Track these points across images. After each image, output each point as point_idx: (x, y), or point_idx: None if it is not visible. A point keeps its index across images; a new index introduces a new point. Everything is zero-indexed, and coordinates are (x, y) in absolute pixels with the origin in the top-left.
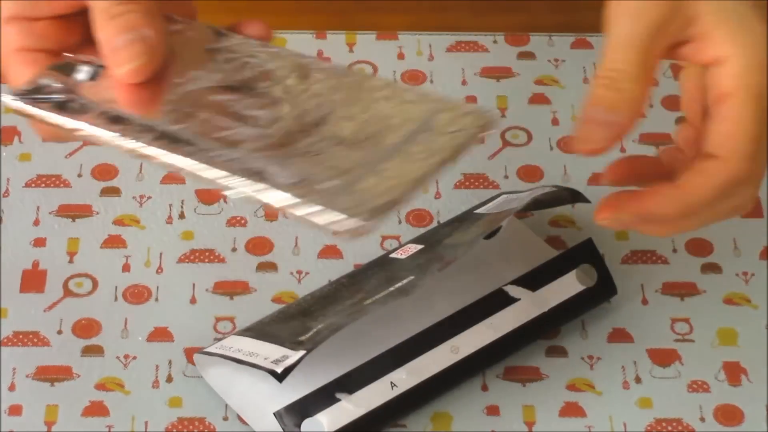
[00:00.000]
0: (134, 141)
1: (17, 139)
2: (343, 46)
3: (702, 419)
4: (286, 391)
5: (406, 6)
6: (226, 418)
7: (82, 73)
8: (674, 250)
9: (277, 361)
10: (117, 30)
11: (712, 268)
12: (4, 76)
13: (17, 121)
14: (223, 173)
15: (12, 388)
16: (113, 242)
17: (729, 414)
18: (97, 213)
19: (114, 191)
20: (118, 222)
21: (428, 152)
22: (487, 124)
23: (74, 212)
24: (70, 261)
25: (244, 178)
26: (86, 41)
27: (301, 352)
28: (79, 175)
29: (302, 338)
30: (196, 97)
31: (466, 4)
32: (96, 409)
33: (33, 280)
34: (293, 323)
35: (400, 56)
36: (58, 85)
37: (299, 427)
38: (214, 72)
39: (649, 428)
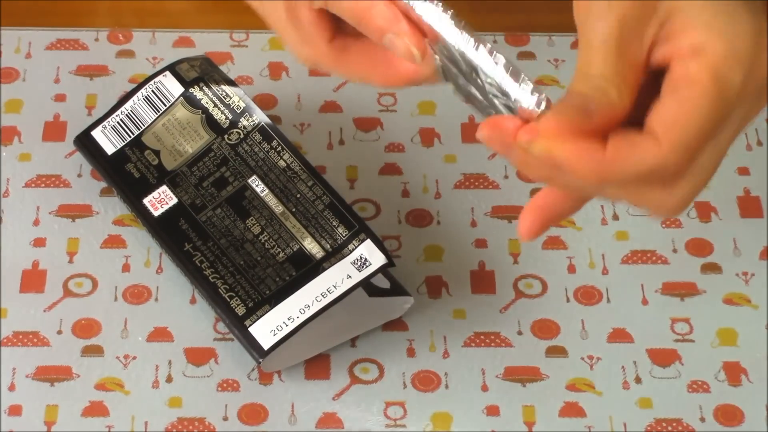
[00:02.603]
0: None
1: (17, 139)
2: None
3: (702, 419)
4: None
5: None
6: (226, 418)
7: None
8: (674, 250)
9: None
10: None
11: (712, 268)
12: None
13: (17, 121)
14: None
15: (12, 388)
16: (113, 242)
17: (729, 414)
18: (97, 213)
19: (113, 192)
20: (118, 222)
21: None
22: None
23: (74, 212)
24: (70, 261)
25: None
26: None
27: None
28: (79, 175)
29: None
30: None
31: (465, 4)
32: (96, 409)
33: (33, 280)
34: None
35: None
36: None
37: None
38: None
39: (649, 428)
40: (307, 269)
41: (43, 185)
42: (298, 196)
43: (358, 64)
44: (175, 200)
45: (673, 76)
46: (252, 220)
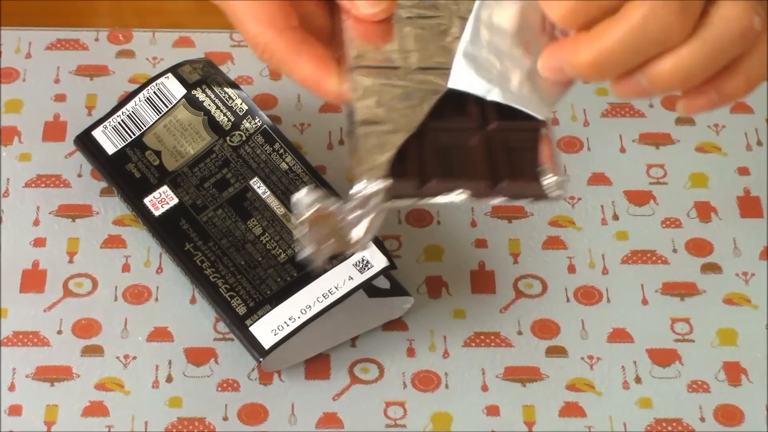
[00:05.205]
0: None
1: (17, 139)
2: None
3: (702, 419)
4: None
5: None
6: (226, 418)
7: None
8: (674, 250)
9: None
10: None
11: (712, 268)
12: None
13: (17, 121)
14: None
15: (12, 388)
16: (113, 242)
17: (729, 414)
18: (97, 213)
19: (113, 191)
20: (118, 222)
21: None
22: None
23: (74, 212)
24: (70, 261)
25: None
26: None
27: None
28: (79, 175)
29: None
30: None
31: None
32: (96, 409)
33: (33, 280)
34: None
35: None
36: None
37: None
38: None
39: (649, 428)
40: (308, 270)
41: (43, 185)
42: None
43: (305, 64)
44: (175, 200)
45: None
46: (253, 221)
